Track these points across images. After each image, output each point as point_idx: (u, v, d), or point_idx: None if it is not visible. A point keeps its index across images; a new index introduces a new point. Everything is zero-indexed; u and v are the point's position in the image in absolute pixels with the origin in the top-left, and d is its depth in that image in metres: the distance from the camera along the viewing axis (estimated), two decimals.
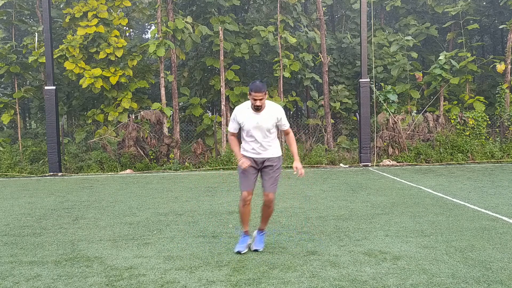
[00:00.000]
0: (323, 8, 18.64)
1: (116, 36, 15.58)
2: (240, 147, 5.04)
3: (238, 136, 5.06)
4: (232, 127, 4.96)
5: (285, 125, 4.96)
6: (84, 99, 18.26)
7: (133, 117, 14.79)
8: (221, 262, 4.75)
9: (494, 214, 6.67)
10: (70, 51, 15.20)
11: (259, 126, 4.77)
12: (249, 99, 4.78)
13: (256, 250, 4.97)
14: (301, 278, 4.25)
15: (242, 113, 4.83)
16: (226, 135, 14.85)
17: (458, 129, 14.93)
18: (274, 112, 4.83)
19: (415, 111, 15.83)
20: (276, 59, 16.43)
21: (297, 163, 4.89)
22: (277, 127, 4.97)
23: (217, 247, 5.30)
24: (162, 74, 15.47)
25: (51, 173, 13.38)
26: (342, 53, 20.27)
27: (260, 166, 4.91)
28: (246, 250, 5.00)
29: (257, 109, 4.72)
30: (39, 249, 5.42)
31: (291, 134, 5.05)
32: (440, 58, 15.72)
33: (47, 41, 13.45)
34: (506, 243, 5.22)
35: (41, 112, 18.75)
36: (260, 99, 4.65)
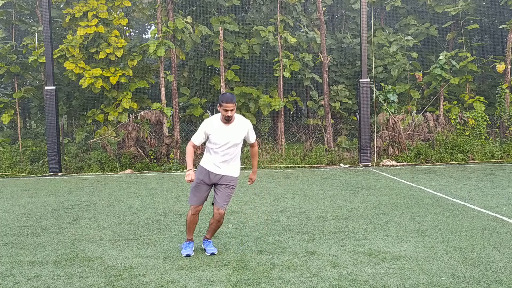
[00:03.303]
0: (323, 8, 18.64)
1: (116, 36, 15.57)
2: (193, 160, 5.08)
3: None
4: (198, 139, 4.89)
5: (253, 138, 5.10)
6: (84, 99, 18.26)
7: (133, 117, 14.79)
8: (221, 262, 4.75)
9: (494, 214, 6.66)
10: (70, 51, 15.20)
11: (228, 139, 4.80)
12: (219, 112, 4.82)
13: (213, 254, 4.98)
14: (301, 278, 4.25)
15: (212, 125, 4.83)
16: None
17: (458, 129, 14.93)
18: (243, 125, 4.91)
19: (415, 111, 15.82)
20: (276, 59, 16.43)
21: (253, 175, 5.23)
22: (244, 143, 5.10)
23: (217, 247, 5.29)
24: (162, 74, 15.47)
25: (51, 173, 13.38)
26: (342, 53, 20.28)
27: (215, 182, 4.92)
28: (193, 253, 5.03)
29: (228, 120, 4.76)
30: (39, 249, 5.42)
31: (256, 148, 5.24)
32: (440, 58, 15.72)
33: (47, 41, 13.45)
34: (506, 243, 5.22)
35: (41, 112, 18.76)
36: (231, 110, 4.72)
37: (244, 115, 15.51)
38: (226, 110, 4.71)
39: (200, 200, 4.94)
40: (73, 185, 11.13)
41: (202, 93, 19.43)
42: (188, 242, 5.11)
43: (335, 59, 19.99)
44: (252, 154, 5.25)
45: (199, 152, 12.12)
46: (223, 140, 4.80)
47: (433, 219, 6.45)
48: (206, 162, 4.92)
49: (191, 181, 4.76)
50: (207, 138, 4.89)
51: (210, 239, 5.17)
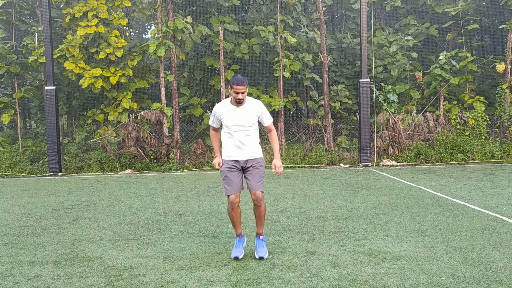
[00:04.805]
0: (323, 8, 18.65)
1: (116, 36, 15.57)
2: (220, 145, 4.98)
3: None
4: (213, 122, 4.91)
5: (267, 120, 4.86)
6: (84, 99, 18.26)
7: (133, 117, 14.79)
8: (221, 262, 4.75)
9: (494, 214, 6.67)
10: (70, 51, 15.20)
11: (240, 120, 4.69)
12: (230, 95, 4.77)
13: (261, 258, 4.75)
14: (301, 278, 4.25)
15: (222, 108, 4.76)
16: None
17: (458, 129, 14.93)
18: (255, 106, 4.77)
19: (415, 111, 15.82)
20: (276, 59, 16.43)
21: (276, 161, 4.84)
22: (259, 126, 4.91)
23: (217, 247, 5.30)
24: (162, 74, 15.47)
25: (51, 173, 13.37)
26: (342, 53, 20.28)
27: (244, 166, 4.79)
28: (242, 255, 4.85)
29: (239, 102, 4.66)
30: (39, 249, 5.42)
31: (274, 132, 4.95)
32: (440, 58, 15.72)
33: (47, 41, 13.45)
34: (506, 243, 5.22)
35: (41, 112, 18.76)
36: (242, 92, 4.61)
37: None
38: (237, 93, 4.61)
39: (235, 187, 4.72)
40: (73, 185, 11.13)
41: (202, 93, 19.44)
42: (238, 238, 4.89)
43: (335, 59, 19.99)
44: (270, 140, 4.94)
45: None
46: (235, 122, 4.69)
47: (433, 219, 6.45)
48: (226, 151, 4.80)
49: (217, 167, 4.82)
50: (220, 122, 4.81)
51: (262, 234, 4.90)
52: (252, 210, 4.98)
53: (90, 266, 4.74)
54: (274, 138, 4.92)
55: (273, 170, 4.84)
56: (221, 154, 4.92)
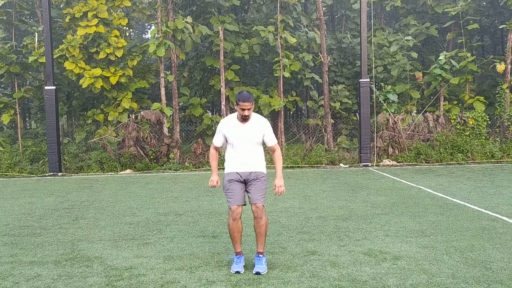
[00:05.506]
0: (323, 8, 18.65)
1: (116, 36, 15.58)
2: (218, 163, 4.91)
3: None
4: (217, 140, 4.78)
5: (272, 140, 4.76)
6: (84, 99, 18.27)
7: (133, 117, 14.79)
8: (221, 262, 4.75)
9: (494, 214, 6.66)
10: (70, 51, 15.20)
11: (245, 137, 4.64)
12: (236, 110, 4.68)
13: (258, 273, 4.41)
14: (301, 278, 4.25)
15: (228, 124, 4.69)
16: None
17: (458, 129, 14.93)
18: (260, 124, 4.70)
19: (415, 111, 15.82)
20: (276, 59, 16.43)
21: (278, 181, 4.74)
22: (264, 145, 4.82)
23: (217, 247, 5.30)
24: (162, 74, 15.47)
25: (51, 173, 13.37)
26: (342, 53, 20.29)
27: (246, 179, 4.69)
28: (243, 270, 4.52)
29: (245, 119, 4.61)
30: (39, 249, 5.42)
31: (278, 152, 4.83)
32: (440, 58, 15.72)
33: (47, 41, 13.45)
34: (506, 243, 5.22)
35: (41, 112, 18.76)
36: (248, 109, 4.56)
37: None
38: (243, 109, 4.54)
39: (237, 198, 4.59)
40: (73, 185, 11.13)
41: (202, 93, 19.45)
42: (237, 256, 4.65)
43: (335, 59, 20.00)
44: (274, 160, 4.85)
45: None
46: (240, 139, 4.64)
47: (433, 219, 6.45)
48: (230, 165, 4.73)
49: (214, 186, 4.73)
50: (225, 138, 4.71)
51: (262, 253, 4.61)
52: (253, 227, 4.78)
53: (90, 266, 4.74)
54: (278, 159, 4.83)
55: (275, 191, 4.73)
56: (218, 174, 4.83)
